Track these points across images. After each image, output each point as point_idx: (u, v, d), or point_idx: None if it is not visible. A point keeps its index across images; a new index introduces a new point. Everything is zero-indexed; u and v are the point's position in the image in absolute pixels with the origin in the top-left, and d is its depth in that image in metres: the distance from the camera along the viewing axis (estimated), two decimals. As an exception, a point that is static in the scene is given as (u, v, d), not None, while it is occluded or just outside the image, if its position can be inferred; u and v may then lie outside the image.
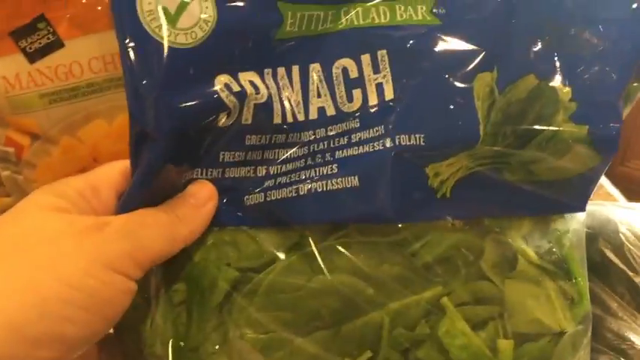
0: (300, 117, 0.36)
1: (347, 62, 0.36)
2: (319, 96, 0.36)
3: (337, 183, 0.34)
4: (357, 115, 0.36)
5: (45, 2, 0.54)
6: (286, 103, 0.36)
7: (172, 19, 0.33)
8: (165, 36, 0.33)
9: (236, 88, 0.34)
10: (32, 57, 0.55)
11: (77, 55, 0.57)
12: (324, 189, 0.34)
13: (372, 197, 0.34)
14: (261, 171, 0.36)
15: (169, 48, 0.33)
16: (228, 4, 0.34)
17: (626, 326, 0.44)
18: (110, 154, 0.62)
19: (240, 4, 0.34)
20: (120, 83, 0.60)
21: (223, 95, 0.34)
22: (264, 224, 0.35)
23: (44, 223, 0.30)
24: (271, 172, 0.36)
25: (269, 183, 0.36)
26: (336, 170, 0.35)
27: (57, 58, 0.56)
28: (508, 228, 0.37)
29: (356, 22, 0.36)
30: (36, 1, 0.54)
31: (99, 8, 0.56)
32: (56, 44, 0.56)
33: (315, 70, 0.36)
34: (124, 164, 0.35)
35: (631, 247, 0.47)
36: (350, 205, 0.34)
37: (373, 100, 0.36)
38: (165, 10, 0.33)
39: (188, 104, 0.33)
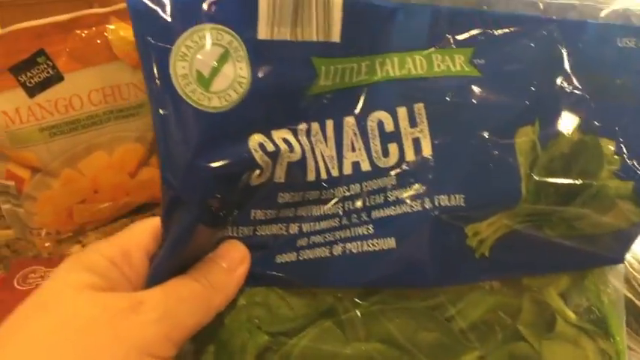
0: (334, 172, 0.34)
1: (382, 115, 0.34)
2: (353, 150, 0.34)
3: (373, 244, 0.33)
4: (393, 171, 0.34)
5: (44, 37, 0.54)
6: (320, 159, 0.34)
7: (206, 83, 0.31)
8: (200, 100, 0.31)
9: (270, 147, 0.32)
10: (32, 91, 0.55)
11: (77, 88, 0.57)
12: (359, 250, 0.33)
13: (409, 260, 0.33)
14: (294, 229, 0.34)
15: (203, 113, 0.31)
16: (262, 64, 0.32)
17: (635, 356, 0.44)
18: (111, 186, 0.62)
19: (274, 62, 0.32)
20: (120, 115, 0.60)
21: (257, 155, 0.32)
22: (297, 285, 0.34)
23: (77, 310, 0.28)
24: (304, 230, 0.34)
25: (302, 242, 0.34)
26: (372, 231, 0.33)
27: (57, 91, 0.56)
28: (546, 285, 0.36)
29: (392, 74, 0.34)
30: (35, 35, 0.53)
31: (98, 41, 0.56)
32: (56, 78, 0.55)
33: (350, 124, 0.34)
34: (153, 224, 0.34)
35: (636, 275, 0.47)
36: (386, 268, 0.33)
37: (410, 155, 0.34)
38: (199, 74, 0.31)
39: (222, 166, 0.31)
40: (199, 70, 0.32)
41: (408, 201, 0.33)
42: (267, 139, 0.33)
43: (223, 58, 0.32)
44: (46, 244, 0.62)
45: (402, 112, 0.34)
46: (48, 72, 0.55)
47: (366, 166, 0.34)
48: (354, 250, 0.33)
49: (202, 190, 0.31)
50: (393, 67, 0.35)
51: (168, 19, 0.31)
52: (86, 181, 0.61)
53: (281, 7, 0.32)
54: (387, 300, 0.34)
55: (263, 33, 0.32)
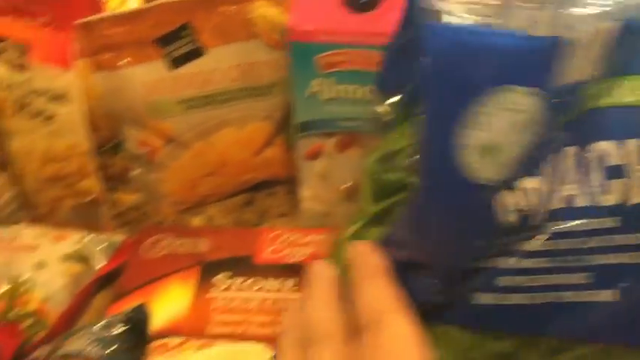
0: (545, 205, 0.30)
1: (607, 146, 0.30)
2: (569, 183, 0.30)
3: (589, 295, 0.30)
4: (614, 211, 0.29)
5: (190, 11, 0.54)
6: (530, 191, 0.30)
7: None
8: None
9: (522, 203, 0.31)
10: (175, 63, 0.56)
11: (217, 63, 0.57)
12: (571, 300, 0.30)
13: (634, 317, 0.29)
14: (493, 263, 0.31)
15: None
16: None
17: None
18: (237, 162, 0.63)
19: None
20: (253, 93, 0.60)
21: (511, 218, 0.31)
22: (492, 328, 0.32)
23: None
24: (506, 268, 0.31)
25: (505, 282, 0.31)
26: (589, 280, 0.30)
27: (198, 65, 0.56)
28: None
29: (623, 99, 0.30)
30: (181, 10, 0.54)
31: (240, 18, 0.56)
32: (198, 52, 0.56)
33: (570, 154, 0.30)
34: None
35: None
36: (604, 324, 0.30)
37: (638, 197, 0.29)
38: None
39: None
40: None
41: (635, 250, 0.29)
42: (516, 196, 0.31)
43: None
44: (170, 212, 0.64)
45: (631, 144, 0.30)
46: (191, 45, 0.56)
47: (581, 202, 0.30)
48: (565, 300, 0.30)
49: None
50: (624, 90, 0.31)
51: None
52: (215, 155, 0.62)
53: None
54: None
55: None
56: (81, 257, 0.54)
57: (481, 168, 0.30)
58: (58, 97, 0.55)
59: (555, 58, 0.29)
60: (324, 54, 0.49)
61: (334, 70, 0.49)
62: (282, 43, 0.58)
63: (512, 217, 0.30)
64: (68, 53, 0.53)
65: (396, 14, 0.47)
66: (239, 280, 0.52)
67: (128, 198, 0.68)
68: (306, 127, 0.53)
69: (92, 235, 0.57)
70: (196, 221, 0.64)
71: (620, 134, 0.30)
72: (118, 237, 0.59)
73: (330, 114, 0.52)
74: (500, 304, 0.31)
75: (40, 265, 0.52)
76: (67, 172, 0.59)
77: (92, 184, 0.60)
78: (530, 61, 0.29)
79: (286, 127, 0.64)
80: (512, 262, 0.31)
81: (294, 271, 0.53)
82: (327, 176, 0.56)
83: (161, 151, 0.60)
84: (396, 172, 0.40)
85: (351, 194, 0.57)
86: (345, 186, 0.56)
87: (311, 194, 0.58)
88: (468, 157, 0.29)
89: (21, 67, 0.55)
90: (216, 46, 0.56)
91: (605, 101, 0.30)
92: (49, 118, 0.56)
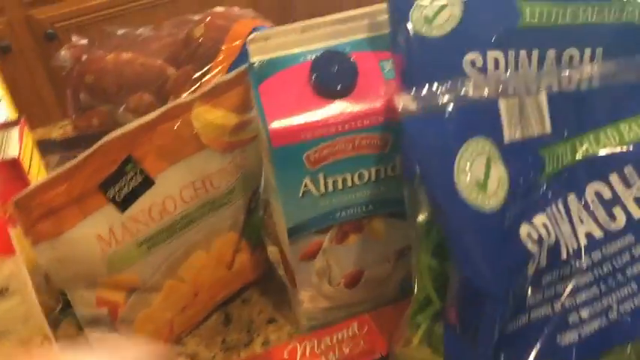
0: (574, 246, 0.37)
1: (598, 186, 0.39)
2: (582, 223, 0.38)
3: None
4: (627, 230, 0.38)
5: (130, 142, 0.47)
6: (561, 236, 0.37)
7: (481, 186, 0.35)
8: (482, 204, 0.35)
9: (535, 235, 0.36)
10: (124, 204, 0.48)
11: (168, 189, 0.50)
12: (634, 306, 0.37)
13: None
14: (558, 307, 0.37)
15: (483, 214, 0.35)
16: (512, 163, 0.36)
17: None
18: (210, 284, 0.56)
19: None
20: (213, 206, 0.53)
21: (530, 245, 0.35)
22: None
23: None
24: (567, 306, 0.37)
25: (573, 318, 0.36)
26: (635, 288, 0.37)
27: (149, 198, 0.49)
28: None
29: (592, 151, 0.39)
30: (121, 144, 0.46)
31: (183, 133, 0.49)
32: (146, 183, 0.48)
33: (573, 201, 0.38)
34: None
35: None
36: None
37: (638, 212, 0.38)
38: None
39: (517, 257, 0.35)
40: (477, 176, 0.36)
41: None
42: (532, 229, 0.36)
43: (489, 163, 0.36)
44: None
45: (614, 178, 0.39)
46: (138, 178, 0.48)
47: (599, 234, 0.38)
48: (632, 308, 0.37)
49: (508, 282, 0.35)
50: (591, 145, 0.40)
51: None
52: (187, 287, 0.54)
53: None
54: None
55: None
56: None
57: (484, 199, 0.36)
58: (-3, 291, 0.44)
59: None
60: (310, 151, 0.44)
61: (322, 164, 0.45)
62: (233, 144, 0.53)
63: (533, 247, 0.36)
64: (4, 239, 0.43)
65: (372, 94, 0.44)
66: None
67: None
68: (300, 229, 0.48)
69: None
70: (180, 364, 0.56)
71: (603, 174, 0.39)
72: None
73: (325, 208, 0.47)
74: (583, 338, 0.37)
75: None
76: (22, 370, 0.47)
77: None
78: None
79: (247, 227, 0.58)
80: (570, 300, 0.37)
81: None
82: (326, 271, 0.51)
83: (124, 305, 0.51)
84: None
85: (353, 281, 0.53)
86: (346, 274, 0.52)
87: (311, 294, 0.53)
88: (471, 194, 0.35)
89: None
90: (162, 170, 0.49)
91: (580, 155, 0.39)
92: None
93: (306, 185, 0.46)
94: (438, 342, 0.38)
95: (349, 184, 0.47)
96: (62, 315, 0.56)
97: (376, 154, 0.46)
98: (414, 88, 0.37)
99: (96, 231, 0.47)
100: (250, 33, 0.76)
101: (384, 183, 0.47)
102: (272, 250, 0.64)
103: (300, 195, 0.46)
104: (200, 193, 0.52)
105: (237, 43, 0.75)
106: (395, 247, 0.52)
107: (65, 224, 0.45)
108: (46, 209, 0.44)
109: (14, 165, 0.53)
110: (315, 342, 0.52)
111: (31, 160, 0.57)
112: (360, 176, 0.46)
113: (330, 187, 0.46)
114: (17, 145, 0.55)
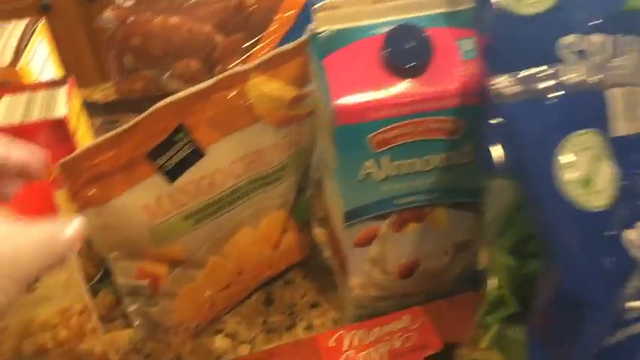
0: None
1: None
2: None
3: None
4: None
5: (183, 110, 0.44)
6: None
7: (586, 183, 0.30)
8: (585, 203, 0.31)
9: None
10: (173, 175, 0.45)
11: (218, 162, 0.47)
12: None
13: None
14: None
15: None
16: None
17: None
18: (255, 263, 0.54)
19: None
20: (264, 182, 0.51)
21: (637, 255, 0.32)
22: None
23: None
24: None
25: None
26: None
27: (199, 170, 0.46)
28: None
29: None
30: (174, 111, 0.44)
31: (238, 103, 0.47)
32: (196, 154, 0.46)
33: None
34: None
35: None
36: None
37: None
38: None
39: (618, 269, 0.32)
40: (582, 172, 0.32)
41: None
42: (637, 235, 0.33)
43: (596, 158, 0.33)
44: (181, 341, 0.53)
45: None
46: (188, 148, 0.45)
47: None
48: None
49: (611, 292, 0.32)
50: None
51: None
52: (231, 265, 0.52)
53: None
54: None
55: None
56: None
57: (588, 198, 0.32)
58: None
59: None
60: (377, 132, 0.41)
61: (388, 146, 0.42)
62: (288, 118, 0.50)
63: (638, 255, 0.32)
64: (48, 201, 0.41)
65: (447, 74, 0.41)
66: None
67: (121, 335, 0.55)
68: (357, 214, 0.45)
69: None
70: (219, 342, 0.54)
71: None
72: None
73: (386, 194, 0.44)
74: None
75: None
76: (59, 339, 0.46)
77: (93, 342, 0.47)
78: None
79: (296, 207, 0.55)
80: None
81: (382, 380, 0.45)
82: (381, 259, 0.48)
83: (166, 278, 0.49)
84: (534, 262, 0.35)
85: (408, 271, 0.50)
86: (401, 264, 0.49)
87: (362, 281, 0.50)
88: (575, 190, 0.32)
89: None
90: (214, 142, 0.46)
91: None
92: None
93: (367, 168, 0.43)
94: (511, 348, 0.35)
95: (414, 169, 0.43)
96: (101, 284, 0.54)
97: (446, 140, 0.42)
98: (508, 72, 0.33)
99: (143, 201, 0.45)
100: (305, 3, 0.73)
101: (451, 171, 0.44)
102: (318, 232, 0.62)
103: (361, 178, 0.43)
104: (251, 168, 0.49)
105: (292, 13, 0.72)
106: (455, 239, 0.49)
107: (112, 192, 0.43)
108: (94, 175, 0.42)
109: (60, 126, 0.51)
110: (364, 332, 0.49)
111: (77, 122, 0.54)
112: (427, 162, 0.43)
113: (394, 172, 0.43)
114: (64, 105, 0.53)
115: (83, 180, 0.41)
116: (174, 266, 0.49)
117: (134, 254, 0.47)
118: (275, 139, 0.49)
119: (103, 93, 0.91)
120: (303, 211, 0.57)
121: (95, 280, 0.55)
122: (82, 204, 0.42)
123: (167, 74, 0.78)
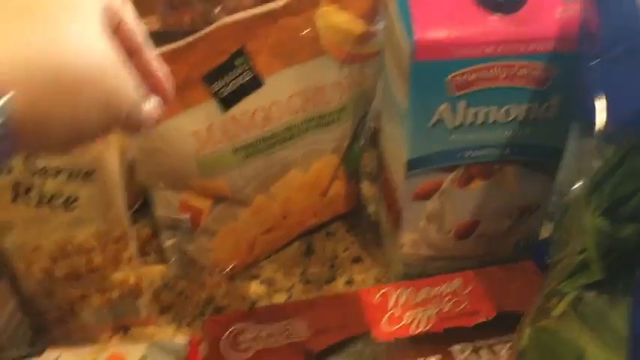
0: None
1: None
2: None
3: None
4: None
5: (247, 31, 0.41)
6: None
7: None
8: None
9: None
10: (227, 102, 0.42)
11: (276, 94, 0.44)
12: None
13: None
14: None
15: None
16: None
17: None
18: (300, 209, 0.51)
19: None
20: (320, 123, 0.47)
21: None
22: None
23: None
24: None
25: None
26: None
27: (255, 100, 0.43)
28: None
29: None
30: (238, 30, 0.40)
31: (305, 32, 0.43)
32: (254, 83, 0.42)
33: None
34: None
35: None
36: None
37: None
38: None
39: None
40: None
41: None
42: None
43: None
44: (219, 284, 0.51)
45: None
46: (247, 75, 0.42)
47: None
48: None
49: None
50: None
51: None
52: (277, 207, 0.49)
53: None
54: None
55: None
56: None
57: None
58: (81, 175, 0.39)
59: None
60: (458, 72, 0.37)
61: (467, 91, 0.38)
62: (353, 56, 0.46)
63: None
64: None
65: (545, 14, 0.37)
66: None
67: (154, 272, 0.53)
68: (421, 163, 0.42)
69: (145, 346, 0.42)
70: (254, 287, 0.51)
71: None
72: (179, 339, 0.45)
73: (455, 144, 0.41)
74: None
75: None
76: (93, 265, 0.43)
77: (127, 274, 0.45)
78: None
79: (348, 155, 0.52)
80: None
81: (430, 343, 0.42)
82: (438, 216, 0.45)
83: (208, 214, 0.47)
84: (630, 225, 0.31)
85: (466, 232, 0.47)
86: (459, 223, 0.46)
87: (414, 238, 0.47)
88: None
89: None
90: (274, 72, 0.43)
91: None
92: (67, 202, 0.40)
93: (441, 113, 0.39)
94: (592, 317, 0.31)
95: (491, 119, 0.40)
96: (138, 215, 0.52)
97: (532, 90, 0.38)
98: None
99: (194, 127, 0.42)
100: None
101: (531, 125, 0.40)
102: (365, 186, 0.58)
103: (432, 124, 0.40)
104: (309, 106, 0.46)
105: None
106: (521, 201, 0.45)
107: (164, 113, 0.40)
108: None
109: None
110: (412, 291, 0.46)
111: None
112: (507, 113, 0.39)
113: (469, 120, 0.40)
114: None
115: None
116: (218, 202, 0.46)
117: (178, 185, 0.45)
118: (337, 76, 0.46)
119: (146, 24, 0.87)
120: (354, 160, 0.53)
121: (132, 210, 0.52)
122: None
123: (218, 8, 0.74)
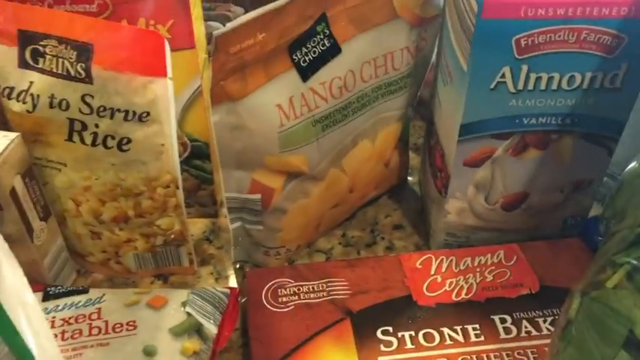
0: None
1: None
2: None
3: None
4: None
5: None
6: None
7: None
8: None
9: None
10: (307, 71, 0.41)
11: (351, 62, 0.43)
12: None
13: None
14: None
15: None
16: None
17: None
18: (365, 181, 0.50)
19: None
20: (388, 90, 0.46)
21: None
22: None
23: None
24: None
25: None
26: None
27: (332, 69, 0.42)
28: None
29: None
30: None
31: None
32: (333, 50, 0.41)
33: None
34: None
35: None
36: None
37: None
38: None
39: None
40: None
41: None
42: None
43: None
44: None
45: None
46: (327, 43, 0.41)
47: None
48: None
49: None
50: None
51: None
52: (347, 180, 0.48)
53: None
54: None
55: None
56: (192, 327, 0.40)
57: None
58: (137, 117, 0.39)
59: None
60: (525, 34, 0.36)
61: (532, 54, 0.37)
62: (420, 19, 0.45)
63: None
64: (159, 58, 0.38)
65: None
66: (405, 334, 0.41)
67: (195, 224, 0.53)
68: (476, 129, 0.41)
69: (187, 292, 0.43)
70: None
71: None
72: (220, 287, 0.45)
73: (514, 110, 0.40)
74: None
75: (150, 353, 0.38)
76: (141, 209, 0.44)
77: (173, 221, 0.45)
78: None
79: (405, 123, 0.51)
80: None
81: (471, 311, 0.42)
82: (487, 185, 0.44)
83: (280, 193, 0.45)
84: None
85: (514, 204, 0.46)
86: (509, 193, 0.45)
87: (460, 206, 0.46)
88: None
89: (78, 76, 0.38)
90: (350, 37, 0.42)
91: None
92: (120, 143, 0.40)
93: (503, 76, 0.38)
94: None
95: (554, 86, 0.39)
96: (184, 165, 0.52)
97: (599, 57, 0.37)
98: None
99: (277, 99, 0.40)
100: None
101: (595, 95, 0.39)
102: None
103: (492, 87, 0.39)
104: (379, 73, 0.45)
105: None
106: (576, 175, 0.44)
107: (250, 85, 0.39)
108: (240, 62, 0.37)
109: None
110: (454, 259, 0.46)
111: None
112: (570, 80, 0.38)
113: (530, 85, 0.39)
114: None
115: (228, 68, 0.37)
116: (292, 178, 0.45)
117: (253, 163, 0.43)
118: (407, 41, 0.45)
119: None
120: (406, 129, 0.53)
121: (180, 159, 0.52)
122: (219, 96, 0.39)
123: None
